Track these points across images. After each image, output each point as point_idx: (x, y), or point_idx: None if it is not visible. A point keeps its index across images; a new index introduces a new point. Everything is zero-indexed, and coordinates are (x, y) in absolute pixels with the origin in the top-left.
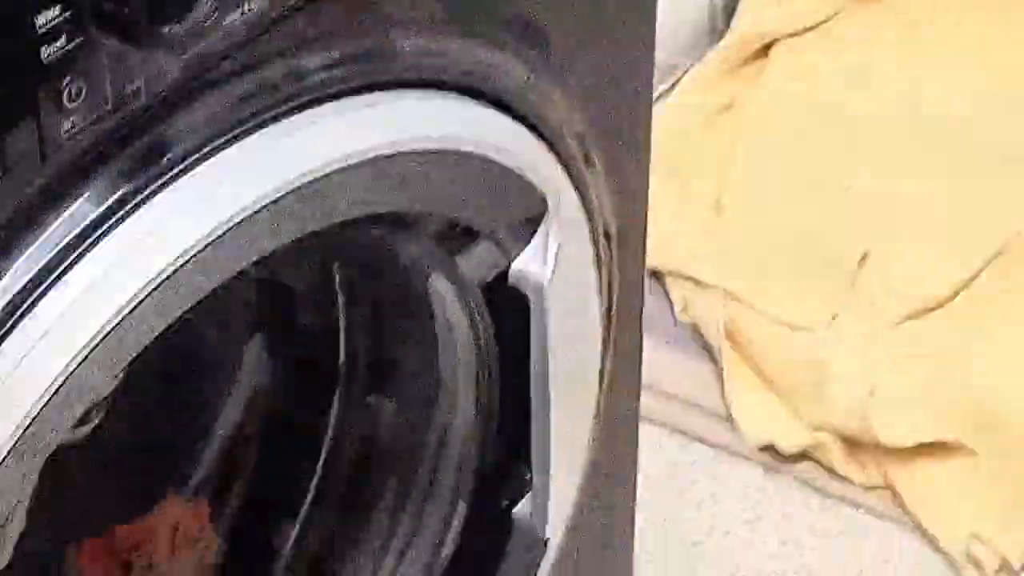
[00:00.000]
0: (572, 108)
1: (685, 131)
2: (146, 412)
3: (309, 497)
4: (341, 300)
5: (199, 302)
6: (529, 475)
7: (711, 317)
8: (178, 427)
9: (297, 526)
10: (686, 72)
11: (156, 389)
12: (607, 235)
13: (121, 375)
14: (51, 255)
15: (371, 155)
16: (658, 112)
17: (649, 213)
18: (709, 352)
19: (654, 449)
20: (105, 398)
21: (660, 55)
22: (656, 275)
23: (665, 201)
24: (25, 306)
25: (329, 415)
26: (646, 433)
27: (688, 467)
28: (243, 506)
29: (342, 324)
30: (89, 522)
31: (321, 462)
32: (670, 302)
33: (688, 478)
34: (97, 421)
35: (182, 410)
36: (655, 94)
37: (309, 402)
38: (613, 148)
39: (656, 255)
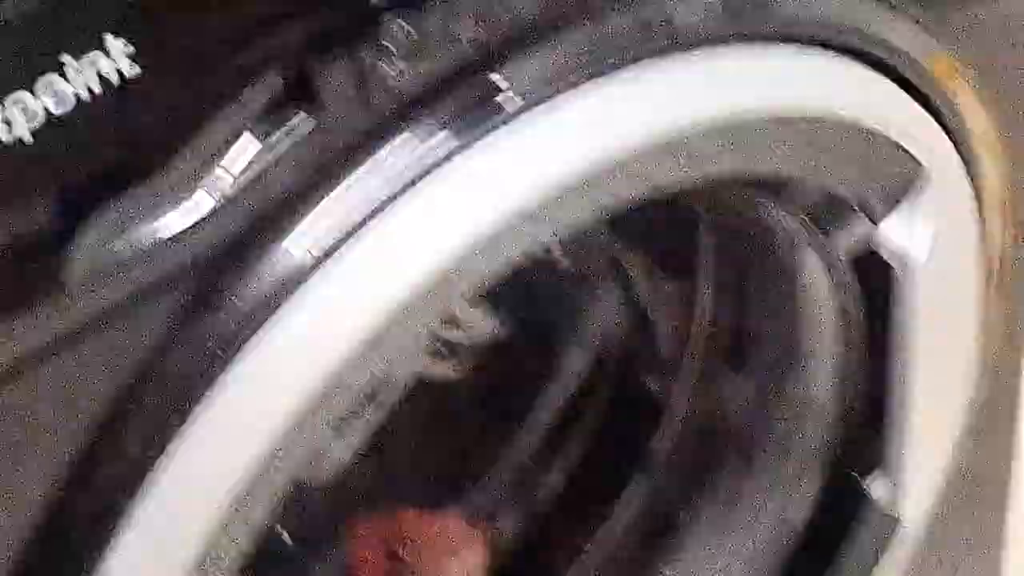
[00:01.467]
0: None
1: None
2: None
3: (652, 459)
4: (704, 264)
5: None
6: (885, 450)
7: None
8: (516, 384)
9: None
10: None
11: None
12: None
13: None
14: (378, 196)
15: (736, 114)
16: None
17: None
18: None
19: None
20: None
21: None
22: None
23: None
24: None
25: (677, 383)
26: None
27: None
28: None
29: (702, 289)
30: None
31: (664, 431)
32: None
33: None
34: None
35: (524, 364)
36: None
37: (656, 366)
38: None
39: None
